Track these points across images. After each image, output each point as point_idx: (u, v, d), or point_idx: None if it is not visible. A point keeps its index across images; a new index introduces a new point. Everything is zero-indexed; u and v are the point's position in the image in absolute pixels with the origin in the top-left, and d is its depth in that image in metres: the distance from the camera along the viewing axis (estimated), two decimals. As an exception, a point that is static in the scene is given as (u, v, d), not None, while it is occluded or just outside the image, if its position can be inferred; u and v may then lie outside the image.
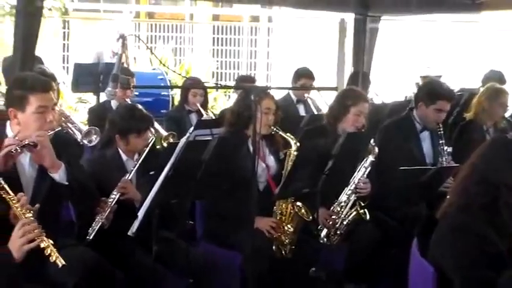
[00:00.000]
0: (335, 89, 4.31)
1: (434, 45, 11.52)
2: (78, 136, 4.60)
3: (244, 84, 6.41)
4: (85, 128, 4.65)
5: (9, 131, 3.12)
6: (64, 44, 11.85)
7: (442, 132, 4.43)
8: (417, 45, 11.50)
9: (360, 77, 6.54)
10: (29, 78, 3.23)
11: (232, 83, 9.27)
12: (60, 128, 3.65)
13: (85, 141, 4.07)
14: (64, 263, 2.56)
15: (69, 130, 4.66)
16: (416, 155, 4.49)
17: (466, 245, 2.54)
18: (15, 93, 3.13)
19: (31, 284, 2.86)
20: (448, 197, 2.85)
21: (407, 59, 11.17)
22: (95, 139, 4.21)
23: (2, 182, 2.63)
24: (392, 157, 4.30)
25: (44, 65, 6.00)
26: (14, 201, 2.62)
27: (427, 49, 11.41)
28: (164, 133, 5.45)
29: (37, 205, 2.67)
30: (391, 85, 9.52)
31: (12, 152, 2.96)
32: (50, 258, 2.56)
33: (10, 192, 2.63)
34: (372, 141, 4.23)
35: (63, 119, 4.76)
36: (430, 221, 2.90)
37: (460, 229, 2.60)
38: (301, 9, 10.40)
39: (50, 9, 9.15)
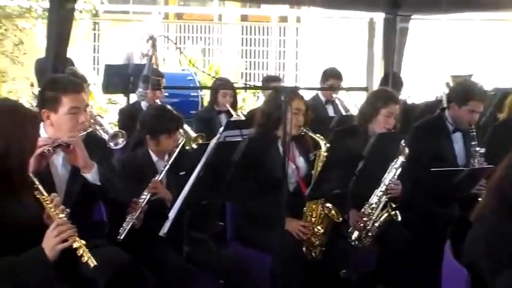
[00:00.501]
0: (365, 89, 4.28)
1: (466, 44, 11.37)
2: (106, 138, 4.63)
3: (273, 84, 6.40)
4: (111, 130, 4.69)
5: (43, 132, 3.15)
6: (94, 45, 11.99)
7: (474, 133, 4.36)
8: (448, 44, 11.36)
9: (391, 77, 6.48)
10: (61, 80, 3.27)
11: (260, 84, 9.27)
12: (91, 129, 3.67)
13: (111, 144, 4.10)
14: (96, 263, 2.57)
15: (97, 132, 4.70)
16: (448, 156, 4.43)
17: (502, 248, 2.50)
18: (48, 94, 3.17)
19: (62, 283, 2.88)
20: (482, 198, 2.80)
21: (437, 58, 11.05)
22: (121, 142, 4.24)
23: (37, 183, 2.66)
24: (423, 158, 4.25)
25: (75, 67, 6.09)
26: (47, 202, 2.65)
27: (458, 48, 11.27)
28: (193, 134, 5.48)
29: (68, 210, 2.69)
30: (421, 85, 9.43)
31: (45, 152, 3.00)
32: (82, 258, 2.57)
33: (44, 192, 2.66)
34: (402, 142, 4.18)
35: (92, 121, 4.80)
36: (463, 223, 2.86)
37: (496, 231, 2.56)
38: (330, 9, 10.37)
39: (80, 12, 9.26)
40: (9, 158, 2.55)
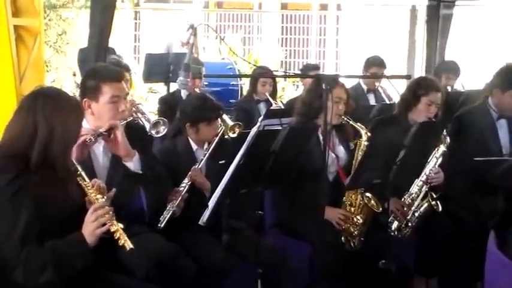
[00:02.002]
0: (408, 77, 4.20)
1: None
2: (147, 126, 4.66)
3: (312, 72, 6.35)
4: (154, 118, 4.71)
5: (84, 122, 3.19)
6: (135, 34, 12.09)
7: None
8: (495, 31, 11.08)
9: (433, 65, 6.36)
10: (102, 69, 3.29)
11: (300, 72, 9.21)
12: (132, 118, 3.70)
13: (153, 132, 4.12)
14: (132, 246, 2.58)
15: (139, 120, 4.73)
16: (492, 144, 4.33)
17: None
18: (89, 83, 3.20)
19: (105, 270, 2.92)
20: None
21: (484, 45, 10.80)
22: (162, 130, 4.26)
23: (80, 169, 2.69)
24: (466, 147, 4.17)
25: (117, 55, 6.14)
26: (88, 187, 2.68)
27: (503, 34, 10.99)
28: (230, 123, 5.47)
29: (114, 190, 2.71)
30: (468, 73, 9.24)
31: (87, 141, 3.03)
32: (119, 241, 2.59)
33: (86, 178, 2.69)
34: (444, 131, 4.11)
35: (133, 109, 4.84)
36: (508, 213, 2.80)
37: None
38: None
39: (122, 1, 9.35)
40: (52, 144, 2.59)
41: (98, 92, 3.15)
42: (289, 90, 9.99)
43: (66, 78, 8.70)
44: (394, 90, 6.32)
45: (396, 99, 5.59)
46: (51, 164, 2.59)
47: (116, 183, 3.17)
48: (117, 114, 3.17)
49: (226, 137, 4.88)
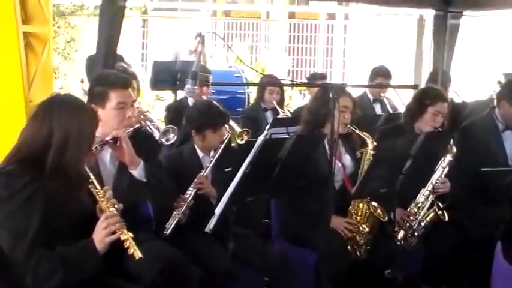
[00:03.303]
0: (415, 87, 4.21)
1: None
2: (156, 134, 4.67)
3: (319, 81, 6.36)
4: (163, 126, 4.72)
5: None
6: (143, 42, 12.14)
7: None
8: (500, 42, 11.07)
9: (440, 75, 6.36)
10: (109, 75, 3.31)
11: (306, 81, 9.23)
12: (139, 125, 3.71)
13: (163, 140, 4.14)
14: (141, 255, 2.60)
15: (148, 128, 4.74)
16: (498, 155, 4.34)
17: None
18: (96, 90, 3.22)
19: (110, 276, 2.93)
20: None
21: (490, 56, 10.79)
22: (172, 138, 4.28)
23: (92, 177, 2.70)
24: (473, 158, 4.17)
25: (125, 63, 6.16)
26: (100, 195, 2.69)
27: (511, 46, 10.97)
28: (238, 130, 5.48)
29: (120, 205, 2.73)
30: (473, 84, 9.23)
31: (92, 150, 3.04)
32: (128, 250, 2.60)
33: (97, 186, 2.70)
34: (451, 141, 4.11)
35: (141, 116, 4.85)
36: (514, 224, 2.80)
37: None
38: (379, 6, 10.24)
39: (131, 9, 9.39)
40: (67, 151, 2.60)
41: (105, 98, 3.17)
42: (296, 99, 10.00)
43: (74, 85, 8.73)
44: (399, 101, 6.32)
45: (402, 109, 5.60)
46: (65, 170, 2.60)
47: (122, 191, 3.19)
48: (123, 120, 3.19)
49: (233, 144, 4.90)
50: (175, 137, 4.18)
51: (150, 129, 4.71)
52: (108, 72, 3.52)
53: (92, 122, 2.73)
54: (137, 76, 5.24)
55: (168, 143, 4.12)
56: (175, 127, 4.31)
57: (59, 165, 2.59)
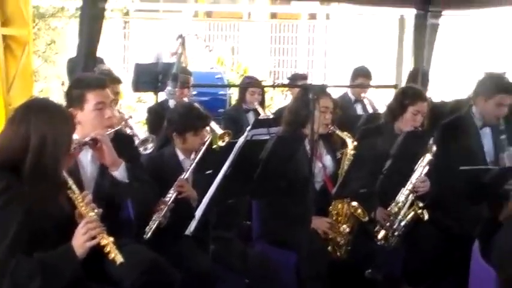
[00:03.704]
0: (394, 86, 4.24)
1: (498, 41, 11.17)
2: (135, 141, 4.68)
3: (300, 82, 6.38)
4: (141, 134, 4.73)
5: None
6: (124, 44, 12.10)
7: (502, 127, 4.29)
8: (481, 41, 11.18)
9: (420, 75, 6.40)
10: (86, 77, 3.32)
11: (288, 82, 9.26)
12: (120, 127, 3.70)
13: (140, 149, 4.15)
14: (122, 260, 2.60)
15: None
16: (476, 153, 4.36)
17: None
18: (73, 92, 3.21)
19: (91, 281, 2.91)
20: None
21: (469, 55, 10.89)
22: (150, 147, 4.31)
23: (70, 182, 2.69)
24: (451, 156, 4.20)
25: (106, 66, 6.15)
26: (79, 200, 2.68)
27: (492, 45, 11.08)
28: (220, 131, 5.48)
29: (100, 210, 2.72)
30: (453, 83, 9.31)
31: (71, 150, 3.03)
32: (109, 255, 2.60)
33: (76, 191, 2.69)
34: (431, 140, 4.14)
35: (122, 123, 4.85)
36: (492, 222, 2.83)
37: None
38: (360, 6, 10.29)
39: (112, 11, 9.34)
40: (44, 156, 2.58)
41: (82, 100, 3.16)
42: (278, 100, 10.01)
43: (54, 88, 8.68)
44: (380, 101, 6.36)
45: (382, 109, 5.64)
46: (43, 174, 2.58)
47: (104, 193, 3.18)
48: (103, 120, 3.18)
49: (215, 146, 4.90)
50: (153, 146, 4.20)
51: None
52: (84, 75, 3.52)
53: (69, 126, 2.72)
54: (121, 81, 5.25)
55: (146, 152, 4.13)
56: (154, 136, 4.32)
57: (37, 169, 2.57)
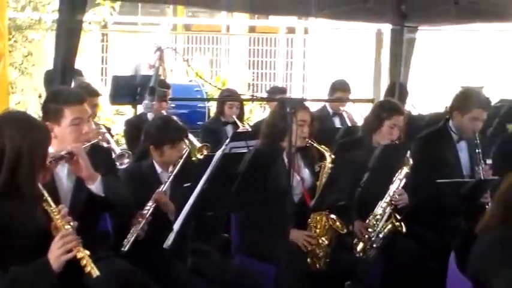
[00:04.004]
0: (371, 101, 4.28)
1: (476, 55, 11.33)
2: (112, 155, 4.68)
3: (279, 95, 6.41)
4: (118, 149, 4.72)
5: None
6: (103, 56, 12.05)
7: (478, 141, 4.35)
8: (458, 56, 11.33)
9: (397, 88, 6.48)
10: (63, 92, 3.29)
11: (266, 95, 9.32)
12: (96, 141, 3.68)
13: (117, 163, 4.15)
14: (98, 273, 2.58)
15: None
16: (453, 166, 4.42)
17: (508, 259, 2.48)
18: (51, 107, 3.19)
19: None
20: (488, 209, 2.78)
21: (448, 69, 11.02)
22: (126, 162, 4.32)
23: (46, 195, 2.67)
24: (428, 169, 4.25)
25: (84, 78, 6.13)
26: (55, 213, 2.66)
27: (468, 59, 11.23)
28: (198, 144, 5.48)
29: (76, 222, 2.70)
30: (430, 96, 9.40)
31: (47, 164, 3.00)
32: (85, 268, 2.58)
33: (52, 204, 2.67)
34: (408, 153, 4.18)
35: (100, 137, 4.84)
36: (469, 234, 2.86)
37: (502, 242, 2.54)
38: (338, 21, 10.37)
39: (89, 23, 9.31)
40: (19, 170, 2.56)
41: (60, 115, 3.14)
42: (257, 113, 10.04)
43: (31, 100, 8.61)
44: (358, 114, 6.41)
45: (360, 122, 5.68)
46: (18, 188, 2.56)
47: (80, 206, 3.16)
48: (80, 136, 3.16)
49: (193, 158, 4.89)
50: (130, 162, 4.20)
51: None
52: (61, 89, 3.50)
53: (44, 139, 2.70)
54: (99, 93, 5.24)
55: (122, 167, 4.12)
56: (130, 152, 4.32)
57: (12, 183, 2.55)
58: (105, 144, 4.51)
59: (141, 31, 11.87)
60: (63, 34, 4.81)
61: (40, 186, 2.66)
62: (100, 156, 3.35)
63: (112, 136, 5.18)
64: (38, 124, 2.74)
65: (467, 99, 4.45)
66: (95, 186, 3.15)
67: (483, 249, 2.63)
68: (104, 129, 4.95)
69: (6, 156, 2.55)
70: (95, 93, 5.28)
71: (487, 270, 2.56)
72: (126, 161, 4.22)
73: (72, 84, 5.35)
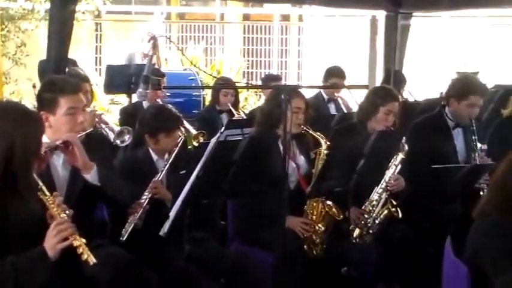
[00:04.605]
0: (366, 87, 4.28)
1: (471, 41, 11.32)
2: (111, 136, 4.64)
3: (273, 83, 6.40)
4: (117, 128, 4.70)
5: (42, 134, 3.15)
6: (96, 46, 12.00)
7: (474, 127, 4.36)
8: (453, 42, 11.32)
9: (392, 75, 6.47)
10: (58, 81, 3.26)
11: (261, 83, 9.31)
12: (92, 129, 3.67)
13: (118, 141, 4.12)
14: (95, 261, 2.58)
15: (103, 131, 4.71)
16: (448, 152, 4.43)
17: (504, 244, 2.49)
18: (45, 96, 3.18)
19: (65, 283, 2.89)
20: (484, 194, 2.79)
21: (443, 56, 11.02)
22: (127, 139, 4.26)
23: (40, 183, 2.66)
24: (424, 155, 4.25)
25: (78, 67, 6.09)
26: (50, 202, 2.66)
27: (463, 45, 11.23)
28: (194, 132, 5.47)
29: (71, 210, 2.70)
30: (426, 83, 9.40)
31: (42, 154, 3.00)
32: (82, 256, 2.58)
33: (47, 192, 2.67)
34: (403, 139, 4.18)
35: (96, 119, 4.82)
36: (465, 219, 2.86)
37: (499, 227, 2.55)
38: (332, 8, 10.35)
39: (83, 13, 9.27)
40: (13, 159, 2.55)
41: (55, 104, 3.13)
42: (252, 100, 10.03)
43: (25, 90, 8.58)
44: (353, 100, 6.40)
45: (355, 109, 5.68)
46: (13, 179, 2.56)
47: (76, 196, 3.16)
48: (76, 125, 3.16)
49: (189, 146, 4.89)
50: (131, 138, 4.16)
51: (105, 131, 4.69)
52: (56, 78, 3.47)
53: (38, 129, 2.69)
54: (89, 79, 5.19)
55: (124, 144, 4.09)
56: (130, 128, 4.28)
57: (6, 174, 2.54)
58: (103, 125, 4.50)
59: (134, 20, 11.81)
60: (56, 24, 4.79)
61: (35, 175, 2.66)
62: (95, 144, 3.34)
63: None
64: (31, 114, 2.73)
65: (464, 86, 4.45)
66: (91, 176, 3.14)
67: (480, 234, 2.63)
68: (99, 112, 4.93)
69: (0, 147, 2.55)
70: (85, 79, 5.24)
71: (483, 256, 2.56)
72: (126, 137, 4.18)
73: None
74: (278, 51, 12.49)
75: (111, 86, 6.66)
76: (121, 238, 3.42)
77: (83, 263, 2.60)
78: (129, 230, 3.44)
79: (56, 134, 3.12)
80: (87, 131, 3.29)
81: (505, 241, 2.50)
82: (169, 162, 3.68)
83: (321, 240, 3.91)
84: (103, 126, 4.74)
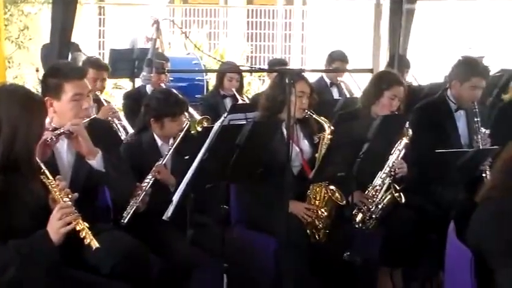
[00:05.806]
0: (370, 71, 4.25)
1: (476, 26, 11.25)
2: (122, 133, 4.69)
3: (278, 67, 6.38)
4: (129, 127, 4.76)
5: (47, 120, 3.15)
6: (99, 30, 11.97)
7: (477, 109, 4.33)
8: (458, 26, 11.25)
9: (396, 60, 6.44)
10: (64, 67, 3.26)
11: (266, 67, 9.26)
12: (95, 116, 3.68)
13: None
14: (98, 245, 2.59)
15: (114, 125, 4.76)
16: (451, 135, 4.42)
17: (509, 229, 2.48)
18: (50, 81, 3.17)
19: (69, 267, 2.90)
20: (488, 179, 2.77)
21: (448, 40, 10.96)
22: None
23: (43, 167, 2.67)
24: (426, 138, 4.24)
25: (82, 52, 6.11)
26: (53, 186, 2.67)
27: (468, 30, 11.16)
28: (198, 117, 5.47)
29: (76, 194, 2.70)
30: (430, 67, 9.36)
31: (47, 141, 3.00)
32: (85, 240, 2.59)
33: (50, 176, 2.68)
34: (407, 124, 4.17)
35: (110, 113, 4.86)
36: (468, 204, 2.86)
37: (503, 212, 2.54)
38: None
39: (86, -4, 9.25)
40: (16, 143, 2.56)
41: (60, 90, 3.12)
42: (256, 85, 10.01)
43: (28, 74, 8.58)
44: (356, 85, 6.39)
45: (358, 93, 5.67)
46: (15, 162, 2.56)
47: (81, 181, 3.16)
48: (80, 111, 3.16)
49: (193, 131, 4.89)
50: None
51: (116, 126, 4.73)
52: (62, 63, 3.47)
53: (41, 113, 2.70)
54: (109, 67, 5.28)
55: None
56: None
57: (9, 157, 2.55)
58: (116, 121, 4.55)
59: (138, 4, 11.77)
60: (59, 8, 4.80)
61: (37, 159, 2.67)
62: (101, 131, 3.34)
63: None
64: (34, 97, 2.74)
65: (465, 68, 4.43)
66: (96, 162, 3.15)
67: (483, 219, 2.62)
68: (115, 109, 5.01)
69: (3, 130, 2.55)
70: (104, 67, 5.30)
71: (487, 241, 2.56)
72: None
73: (69, 58, 5.35)
74: (282, 36, 12.44)
75: (115, 70, 6.65)
76: (122, 221, 3.43)
77: (84, 245, 2.61)
78: (131, 213, 3.45)
79: (61, 119, 3.13)
80: (92, 117, 3.29)
81: (508, 225, 2.49)
82: (174, 146, 3.68)
83: (324, 225, 3.91)
84: (116, 121, 4.79)
